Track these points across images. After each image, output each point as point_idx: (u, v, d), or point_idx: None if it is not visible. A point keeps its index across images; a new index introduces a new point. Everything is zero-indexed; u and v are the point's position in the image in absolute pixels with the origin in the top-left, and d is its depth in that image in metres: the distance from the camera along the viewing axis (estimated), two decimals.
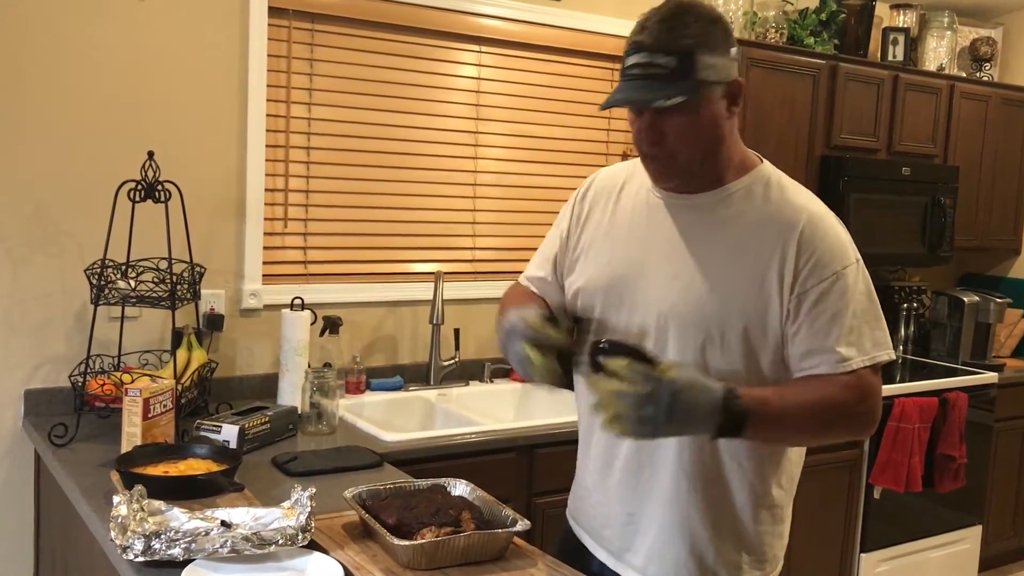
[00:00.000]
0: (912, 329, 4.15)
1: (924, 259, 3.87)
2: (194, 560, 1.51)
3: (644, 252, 1.60)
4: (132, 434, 2.01)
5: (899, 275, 4.23)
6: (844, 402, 1.48)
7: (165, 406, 2.08)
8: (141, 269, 2.24)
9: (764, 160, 1.62)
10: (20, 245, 2.37)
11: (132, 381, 2.18)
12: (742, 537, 1.61)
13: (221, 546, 1.52)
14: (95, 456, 2.07)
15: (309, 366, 2.57)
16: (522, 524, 1.61)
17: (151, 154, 2.24)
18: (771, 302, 1.49)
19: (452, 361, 2.95)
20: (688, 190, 1.57)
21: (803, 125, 3.48)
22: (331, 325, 2.74)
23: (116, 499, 1.60)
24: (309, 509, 1.60)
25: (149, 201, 2.25)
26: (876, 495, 3.40)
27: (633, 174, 1.67)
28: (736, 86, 1.52)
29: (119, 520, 1.56)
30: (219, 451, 1.99)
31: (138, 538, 1.52)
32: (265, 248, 2.71)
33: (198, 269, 2.33)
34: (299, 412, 2.42)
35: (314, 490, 1.64)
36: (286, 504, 1.67)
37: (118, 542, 1.52)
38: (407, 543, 1.51)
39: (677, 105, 1.44)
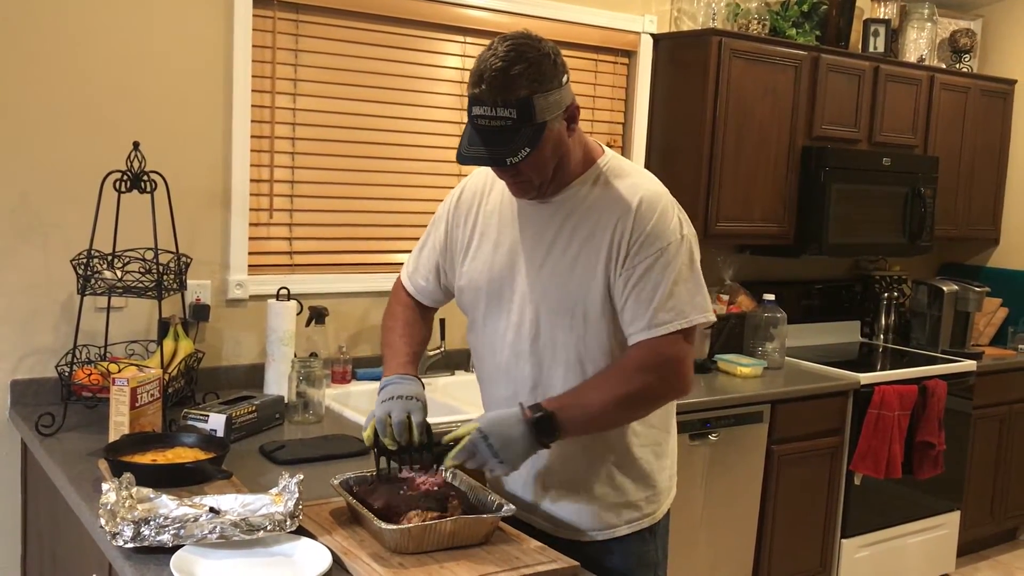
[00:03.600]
0: (892, 318, 4.19)
1: (905, 248, 3.92)
2: (183, 546, 1.53)
3: (513, 250, 1.78)
4: (120, 423, 2.02)
5: (879, 265, 4.27)
6: (642, 387, 1.68)
7: (152, 395, 2.09)
8: (127, 259, 2.25)
9: (606, 149, 1.79)
10: (5, 236, 2.37)
11: (120, 371, 2.19)
12: (630, 477, 1.81)
13: (210, 532, 1.54)
14: (82, 445, 2.08)
15: (295, 356, 2.59)
16: (507, 509, 1.63)
17: (136, 145, 2.25)
18: (609, 278, 1.69)
19: (437, 351, 2.97)
20: (542, 197, 1.74)
21: (785, 116, 3.51)
22: (317, 315, 2.75)
23: (105, 487, 1.61)
24: (296, 495, 1.62)
25: (135, 192, 2.25)
26: (857, 481, 3.45)
27: (496, 181, 1.81)
28: (573, 108, 1.68)
29: (108, 507, 1.57)
30: (206, 440, 2.01)
31: (127, 524, 1.53)
32: (251, 239, 2.72)
33: (184, 259, 2.33)
34: (286, 401, 2.44)
35: (301, 476, 1.66)
36: (274, 491, 1.69)
37: (108, 528, 1.54)
38: (394, 527, 1.53)
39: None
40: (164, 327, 2.40)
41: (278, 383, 2.49)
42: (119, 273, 2.23)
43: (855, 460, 3.40)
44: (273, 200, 2.78)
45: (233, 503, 1.67)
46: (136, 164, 2.24)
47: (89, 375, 2.21)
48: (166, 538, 1.53)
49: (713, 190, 3.33)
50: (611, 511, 1.81)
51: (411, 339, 1.89)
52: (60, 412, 2.19)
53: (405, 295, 1.97)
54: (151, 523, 1.54)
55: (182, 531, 1.54)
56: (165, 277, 2.23)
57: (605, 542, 1.81)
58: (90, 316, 2.45)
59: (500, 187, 1.81)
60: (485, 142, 1.60)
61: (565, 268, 1.72)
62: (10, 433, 2.39)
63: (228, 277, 2.69)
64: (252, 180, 2.71)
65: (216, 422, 2.18)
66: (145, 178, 2.25)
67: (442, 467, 1.69)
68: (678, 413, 1.95)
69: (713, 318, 1.73)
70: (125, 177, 2.25)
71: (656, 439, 1.84)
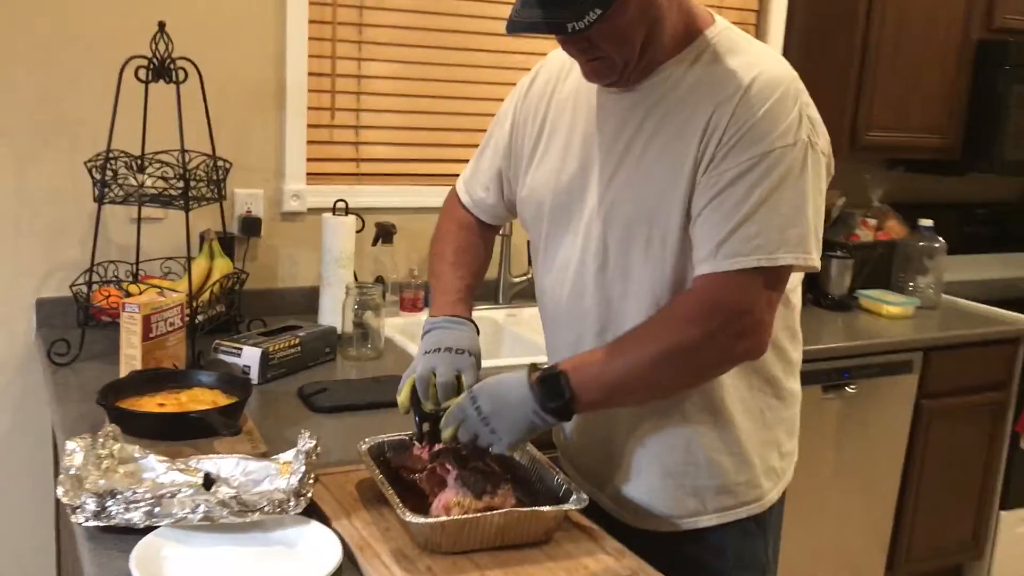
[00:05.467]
0: None
1: None
2: (157, 528, 1.19)
3: (586, 154, 1.36)
4: (131, 357, 1.71)
5: None
6: (686, 343, 1.23)
7: (172, 324, 1.76)
8: (157, 163, 1.91)
9: (717, 19, 1.32)
10: (25, 138, 2.07)
11: (140, 293, 1.87)
12: (722, 453, 1.38)
13: (191, 511, 1.20)
14: (96, 379, 1.77)
15: (356, 279, 2.23)
16: (577, 499, 1.23)
17: (162, 25, 1.89)
18: (693, 187, 1.24)
19: (524, 278, 2.56)
20: (627, 84, 1.30)
21: (957, 3, 2.88)
22: (384, 233, 2.38)
23: (70, 445, 1.29)
24: (303, 470, 1.26)
25: (161, 83, 1.90)
26: (1022, 445, 2.91)
27: (573, 65, 1.36)
28: None
29: (72, 471, 1.25)
30: (229, 380, 1.68)
31: (90, 497, 1.21)
32: (309, 143, 2.35)
33: (223, 164, 1.98)
34: (339, 333, 2.09)
35: (314, 443, 1.30)
36: (284, 457, 1.34)
37: (66, 500, 1.21)
38: (423, 520, 1.16)
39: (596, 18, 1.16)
40: (209, 243, 2.08)
41: (334, 311, 2.15)
42: (146, 178, 1.90)
43: (1022, 420, 2.87)
44: (336, 98, 2.39)
45: (234, 469, 1.33)
46: (162, 48, 1.89)
47: (107, 297, 1.90)
48: (136, 517, 1.20)
49: (864, 92, 2.76)
50: (693, 495, 1.39)
51: (465, 268, 1.50)
52: (77, 339, 1.90)
53: (460, 209, 1.57)
54: (118, 496, 1.21)
55: (157, 509, 1.20)
56: (196, 184, 1.89)
57: (690, 533, 1.40)
58: (124, 228, 2.15)
59: (572, 82, 1.40)
60: (541, 2, 1.16)
61: (642, 175, 1.28)
62: (38, 357, 2.13)
63: (283, 187, 2.33)
64: (311, 74, 2.33)
65: (250, 357, 1.85)
66: (172, 65, 1.89)
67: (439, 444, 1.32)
68: (808, 360, 1.50)
69: (815, 264, 1.23)
70: (150, 64, 1.89)
71: (763, 404, 1.40)
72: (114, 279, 2.04)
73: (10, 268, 2.11)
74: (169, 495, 1.21)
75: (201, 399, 1.62)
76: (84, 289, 1.93)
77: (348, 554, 1.18)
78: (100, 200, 1.88)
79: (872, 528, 2.76)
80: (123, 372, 1.71)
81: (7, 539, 2.22)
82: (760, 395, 1.39)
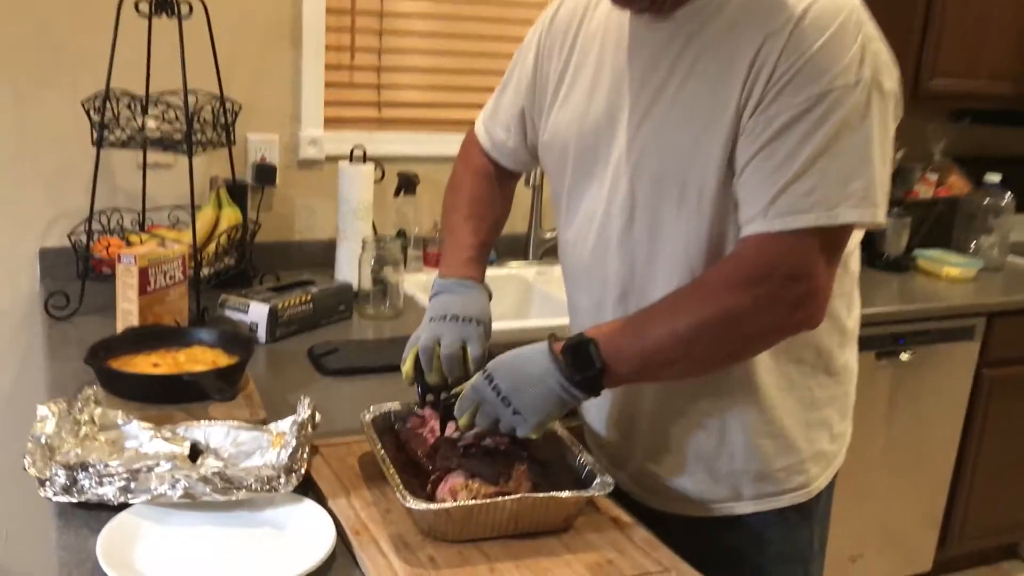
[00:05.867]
0: None
1: None
2: (133, 504, 1.08)
3: (615, 93, 1.18)
4: (127, 312, 1.59)
5: None
6: (733, 311, 1.05)
7: (173, 278, 1.64)
8: (162, 104, 1.77)
9: None
10: (23, 76, 1.95)
11: (142, 243, 1.75)
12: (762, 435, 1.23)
13: (170, 487, 1.07)
14: (95, 334, 1.65)
15: (375, 232, 2.09)
16: (601, 483, 1.09)
17: None
18: (737, 133, 1.07)
19: (555, 233, 2.40)
20: (661, 11, 1.12)
21: None
22: (407, 184, 2.23)
23: (42, 410, 1.17)
24: (294, 443, 1.13)
25: (164, 17, 1.76)
26: None
27: None
28: None
29: (42, 439, 1.13)
30: (231, 339, 1.55)
31: (60, 469, 1.09)
32: (328, 85, 2.20)
33: (231, 106, 1.85)
34: (355, 289, 1.95)
35: (309, 412, 1.17)
36: (279, 427, 1.21)
37: (33, 472, 1.10)
38: (425, 506, 1.02)
39: None
40: (217, 191, 1.95)
41: (350, 266, 2.01)
42: (145, 120, 1.76)
43: None
44: (355, 37, 2.23)
45: (224, 440, 1.21)
46: None
47: (107, 247, 1.78)
48: (110, 492, 1.08)
49: (930, 34, 2.54)
50: (726, 480, 1.24)
51: (481, 222, 1.35)
52: (76, 291, 1.79)
53: (478, 154, 1.42)
54: (91, 469, 1.09)
55: (133, 484, 1.08)
56: (202, 127, 1.75)
57: (724, 519, 1.26)
58: (132, 174, 2.03)
59: (603, 10, 1.23)
60: None
61: (676, 118, 1.11)
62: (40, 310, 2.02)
63: (299, 132, 2.19)
64: (329, 10, 2.17)
65: (257, 314, 1.72)
66: None
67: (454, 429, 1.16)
68: (863, 325, 1.33)
69: (881, 221, 1.05)
70: None
71: (812, 380, 1.23)
72: (117, 228, 1.92)
73: (12, 216, 2.00)
74: (146, 469, 1.09)
75: (200, 359, 1.50)
76: (84, 239, 1.81)
77: (343, 538, 1.06)
78: (99, 144, 1.76)
79: (924, 504, 2.59)
80: (120, 328, 1.60)
81: (7, 502, 2.14)
82: (809, 370, 1.23)
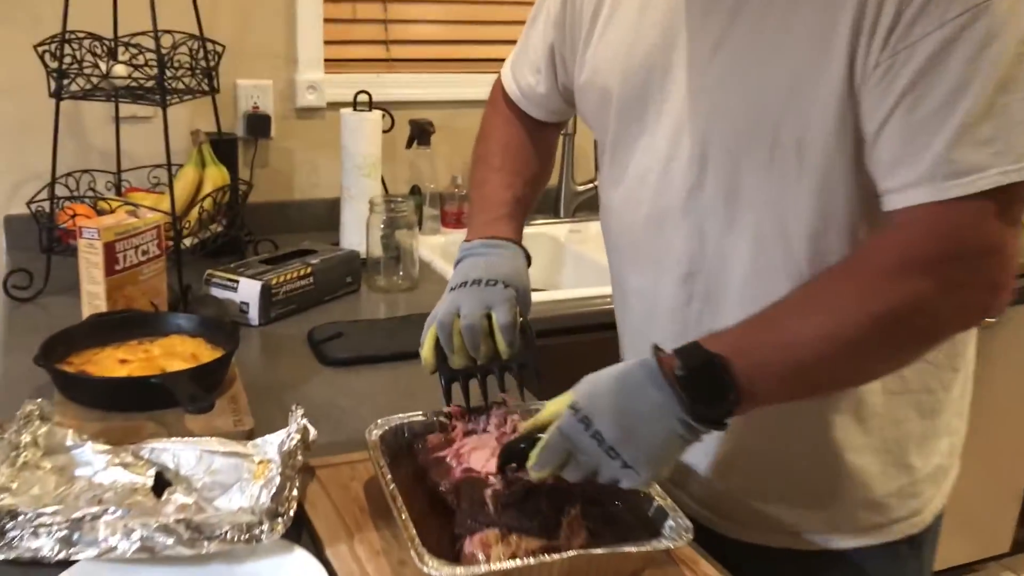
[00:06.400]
0: None
1: None
2: (77, 561, 0.84)
3: (670, 23, 0.93)
4: (93, 295, 1.35)
5: None
6: (909, 302, 0.78)
7: (147, 252, 1.39)
8: (133, 48, 1.51)
9: None
10: None
11: (112, 210, 1.50)
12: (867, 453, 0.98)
13: (123, 538, 0.84)
14: (61, 319, 1.41)
15: (385, 189, 1.83)
16: (676, 528, 0.84)
17: None
18: (855, 73, 0.81)
19: (590, 185, 2.14)
20: None
21: None
22: (420, 133, 1.97)
23: None
24: (278, 481, 0.88)
25: None
26: None
27: None
28: None
29: None
30: (214, 326, 1.31)
31: None
32: (328, 21, 1.93)
33: (213, 47, 1.58)
34: (363, 257, 1.70)
35: (299, 436, 0.93)
36: (263, 450, 0.97)
37: None
38: (448, 570, 0.77)
39: None
40: (199, 147, 1.69)
41: (357, 230, 1.75)
42: (111, 67, 1.50)
43: None
44: None
45: (195, 466, 0.97)
46: None
47: (72, 216, 1.53)
48: (46, 545, 0.85)
49: None
50: (819, 509, 1.00)
51: (513, 175, 1.11)
52: (41, 268, 1.55)
53: (506, 104, 1.16)
54: (20, 518, 0.86)
55: (77, 535, 0.85)
56: (176, 72, 1.49)
57: (820, 555, 1.01)
58: (106, 130, 1.77)
59: None
60: None
61: (762, 48, 0.85)
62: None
63: (296, 76, 1.92)
64: None
65: (248, 292, 1.48)
66: None
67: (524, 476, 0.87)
68: None
69: None
70: None
71: (934, 380, 0.98)
72: (89, 193, 1.67)
73: None
74: (90, 517, 0.85)
75: (178, 352, 1.25)
76: (44, 207, 1.56)
77: None
78: (58, 94, 1.50)
79: (1003, 480, 2.34)
80: (85, 314, 1.35)
81: None
82: (931, 369, 0.98)
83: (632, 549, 0.80)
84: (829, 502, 0.98)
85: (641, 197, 0.98)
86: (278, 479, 0.88)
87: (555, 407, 0.83)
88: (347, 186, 1.78)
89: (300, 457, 0.94)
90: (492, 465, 0.89)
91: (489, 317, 0.95)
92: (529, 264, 1.04)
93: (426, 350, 0.98)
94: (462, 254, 1.05)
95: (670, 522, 0.85)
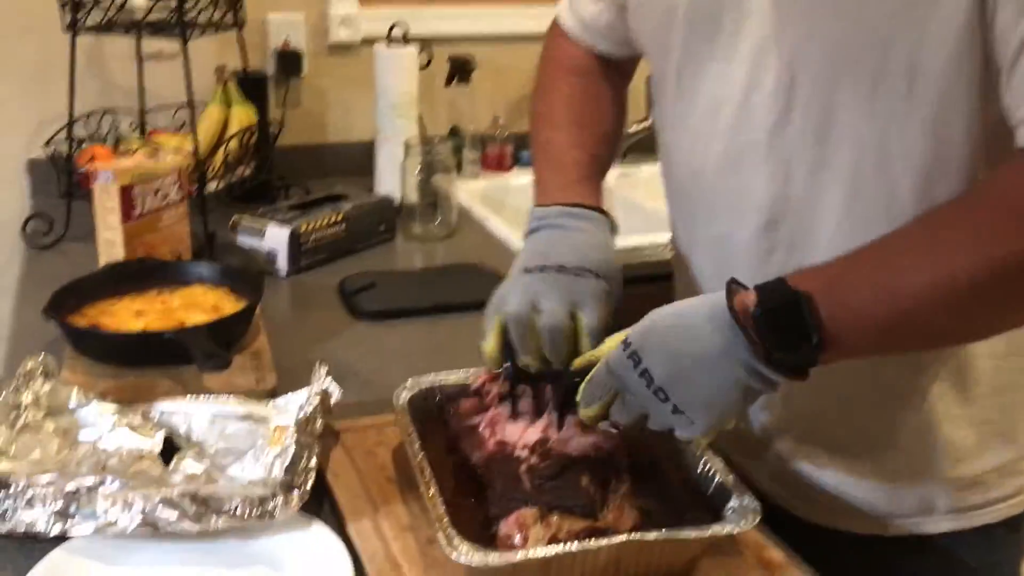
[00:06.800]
0: None
1: None
2: (73, 537, 0.76)
3: None
4: (110, 243, 1.27)
5: None
6: None
7: (167, 197, 1.31)
8: None
9: None
10: None
11: (134, 152, 1.42)
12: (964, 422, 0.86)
13: (123, 512, 0.76)
14: (81, 268, 1.34)
15: (422, 131, 1.72)
16: (740, 509, 0.74)
17: None
18: None
19: (641, 127, 2.00)
20: None
21: None
22: (459, 70, 1.85)
23: None
24: (294, 448, 0.79)
25: None
26: None
27: None
28: None
29: None
30: (239, 276, 1.22)
31: None
32: None
33: None
34: (397, 204, 1.60)
35: (318, 399, 0.84)
36: (282, 413, 0.89)
37: None
38: (480, 558, 0.68)
39: None
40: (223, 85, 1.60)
41: (392, 174, 1.65)
42: None
43: None
44: None
45: (208, 429, 0.89)
46: None
47: (91, 159, 1.45)
48: (41, 519, 0.77)
49: None
50: (911, 488, 0.88)
51: (586, 132, 0.97)
52: (61, 213, 1.48)
53: (568, 44, 1.03)
54: (12, 488, 0.78)
55: (73, 507, 0.77)
56: (196, 2, 1.39)
57: (909, 540, 0.90)
58: (128, 67, 1.68)
59: None
60: None
61: None
62: None
63: (328, 11, 1.81)
64: None
65: (275, 239, 1.39)
66: None
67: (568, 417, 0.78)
68: None
69: None
70: None
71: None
72: (113, 133, 1.58)
73: None
74: (87, 488, 0.77)
75: (199, 303, 1.17)
76: (66, 148, 1.48)
77: None
78: (73, 27, 1.41)
79: None
80: (103, 260, 1.28)
81: None
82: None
83: (691, 534, 0.70)
84: (920, 480, 0.87)
85: (713, 134, 0.85)
86: (293, 448, 0.79)
87: (612, 342, 0.74)
88: (381, 127, 1.67)
89: (320, 423, 0.85)
90: (530, 436, 0.79)
91: (575, 318, 0.82)
92: (615, 233, 0.92)
93: (490, 344, 0.83)
94: (536, 223, 0.90)
95: (734, 502, 0.75)
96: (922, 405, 0.85)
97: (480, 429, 0.83)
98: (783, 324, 0.66)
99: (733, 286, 0.69)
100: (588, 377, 0.74)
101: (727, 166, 0.85)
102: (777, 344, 0.66)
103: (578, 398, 0.74)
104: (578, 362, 0.78)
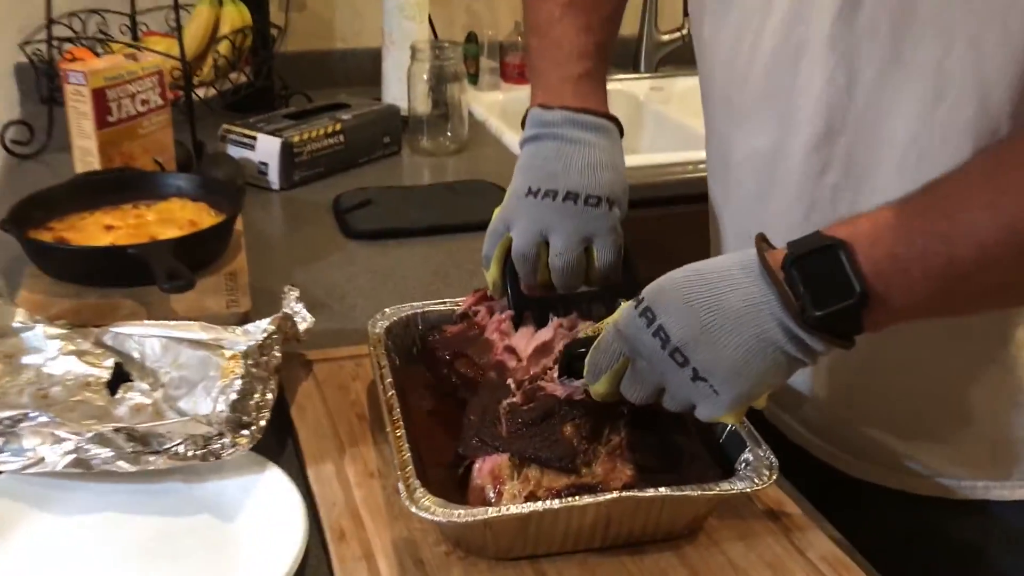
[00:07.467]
0: None
1: None
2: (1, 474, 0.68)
3: None
4: (84, 150, 1.17)
5: None
6: None
7: (147, 102, 1.20)
8: None
9: None
10: None
11: (129, 53, 1.31)
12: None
13: (52, 449, 0.67)
14: (60, 178, 1.26)
15: (434, 35, 1.59)
16: (754, 465, 0.63)
17: None
18: None
19: (676, 36, 1.85)
20: None
21: None
22: None
23: None
24: (238, 385, 0.70)
25: None
26: None
27: None
28: None
29: None
30: (220, 189, 1.12)
31: None
32: None
33: None
34: (404, 114, 1.48)
35: (273, 328, 0.74)
36: (242, 343, 0.79)
37: None
38: (449, 514, 0.58)
39: None
40: None
41: (398, 82, 1.53)
42: None
43: None
44: None
45: (161, 356, 0.80)
46: None
47: (72, 61, 1.34)
48: None
49: None
50: (994, 449, 0.76)
51: (589, 13, 0.83)
52: (42, 119, 1.38)
53: None
54: None
55: (2, 440, 0.69)
56: None
57: (960, 503, 0.78)
58: None
59: None
60: None
61: None
62: None
63: None
64: None
65: (266, 150, 1.28)
66: None
67: (573, 384, 0.66)
68: None
69: None
70: None
71: None
72: (99, 35, 1.47)
73: None
74: (10, 422, 0.69)
75: (176, 218, 1.07)
76: (40, 50, 1.37)
77: (322, 535, 0.65)
78: None
79: None
80: (78, 168, 1.18)
81: None
82: None
83: (694, 492, 0.60)
84: (1002, 443, 0.75)
85: (761, 31, 0.72)
86: (239, 381, 0.70)
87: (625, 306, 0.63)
88: (388, 31, 1.54)
89: (277, 353, 0.75)
90: (542, 335, 0.70)
91: (591, 252, 0.73)
92: (621, 136, 0.80)
93: (494, 273, 0.76)
94: (536, 129, 0.78)
95: (747, 455, 0.64)
96: (973, 380, 0.73)
97: (489, 334, 0.73)
98: (819, 274, 0.54)
99: (763, 244, 0.58)
100: (593, 346, 0.62)
101: (779, 66, 0.71)
102: (813, 300, 0.54)
103: (587, 372, 0.62)
104: (583, 328, 0.68)
